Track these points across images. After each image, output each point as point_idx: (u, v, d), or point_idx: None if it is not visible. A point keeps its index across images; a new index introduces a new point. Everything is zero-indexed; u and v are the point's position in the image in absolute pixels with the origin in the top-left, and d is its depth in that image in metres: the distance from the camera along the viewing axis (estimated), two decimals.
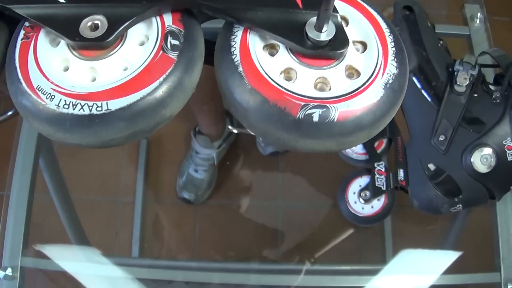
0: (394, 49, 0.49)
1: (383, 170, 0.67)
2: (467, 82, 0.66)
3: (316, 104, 0.45)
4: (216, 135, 1.30)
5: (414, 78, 0.68)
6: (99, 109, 0.44)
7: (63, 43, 0.48)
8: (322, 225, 1.32)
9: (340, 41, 0.48)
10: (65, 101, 0.45)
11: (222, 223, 1.34)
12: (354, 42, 0.50)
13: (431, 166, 0.66)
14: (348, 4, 0.52)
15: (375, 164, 0.67)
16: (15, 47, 0.48)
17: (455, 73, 0.66)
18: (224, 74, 0.49)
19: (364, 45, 0.51)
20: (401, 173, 0.67)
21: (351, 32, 0.50)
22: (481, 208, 0.69)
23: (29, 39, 0.49)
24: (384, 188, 0.66)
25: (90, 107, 0.44)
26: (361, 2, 0.53)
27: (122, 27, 0.47)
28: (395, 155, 0.68)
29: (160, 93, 0.46)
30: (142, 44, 0.49)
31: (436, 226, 1.20)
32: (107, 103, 0.44)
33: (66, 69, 0.48)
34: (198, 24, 0.51)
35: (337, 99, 0.46)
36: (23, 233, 0.68)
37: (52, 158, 0.86)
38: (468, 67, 0.66)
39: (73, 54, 0.48)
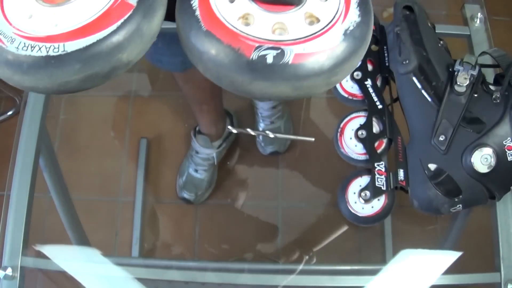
0: None
1: (383, 170, 0.67)
2: (467, 82, 0.66)
3: (271, 45, 0.46)
4: (216, 135, 1.30)
5: (414, 78, 0.68)
6: (55, 50, 0.46)
7: None
8: (322, 225, 1.32)
9: None
10: (24, 43, 0.46)
11: (222, 223, 1.34)
12: None
13: (431, 166, 0.66)
14: None
15: (375, 164, 0.67)
16: None
17: (455, 73, 0.66)
18: (182, 19, 0.49)
19: None
20: (401, 173, 0.67)
21: None
22: (481, 208, 0.69)
23: None
24: (384, 188, 0.66)
25: (48, 49, 0.46)
26: None
27: None
28: (395, 155, 0.68)
29: (117, 36, 0.47)
30: None
31: (436, 226, 1.20)
32: (64, 44, 0.46)
33: (30, 16, 0.49)
34: None
35: (292, 41, 0.46)
36: (23, 233, 0.68)
37: (52, 158, 0.86)
38: (468, 67, 0.66)
39: (37, 2, 0.49)
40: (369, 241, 1.28)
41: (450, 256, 0.74)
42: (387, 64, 0.72)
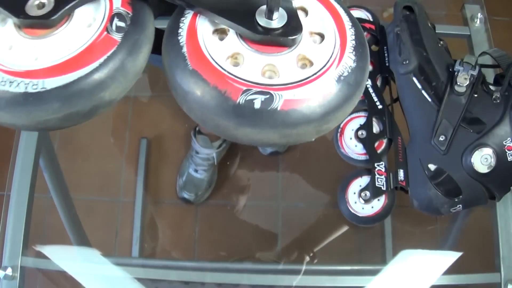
0: (354, 42, 0.47)
1: (383, 170, 0.67)
2: (467, 83, 0.66)
3: (259, 90, 0.43)
4: (216, 135, 1.30)
5: (414, 78, 0.68)
6: (34, 87, 0.43)
7: (10, 22, 0.47)
8: (322, 225, 1.32)
9: (292, 27, 0.45)
10: (3, 77, 0.44)
11: (222, 223, 1.34)
12: (311, 33, 0.48)
13: (431, 166, 0.66)
14: None
15: (375, 164, 0.67)
16: None
17: (455, 73, 0.66)
18: (168, 55, 0.47)
19: (322, 37, 0.48)
20: (401, 173, 0.67)
21: (309, 23, 0.48)
22: (481, 208, 0.69)
23: None
24: (384, 188, 0.66)
25: (26, 85, 0.43)
26: None
27: (68, 6, 0.46)
28: (395, 155, 0.68)
29: (99, 74, 0.44)
30: (88, 26, 0.47)
31: (436, 226, 1.20)
32: (43, 81, 0.43)
33: (10, 47, 0.47)
34: (149, 9, 0.49)
35: (283, 86, 0.43)
36: (23, 233, 0.68)
37: (52, 158, 0.86)
38: (468, 68, 0.66)
39: (18, 33, 0.47)
40: (369, 242, 1.28)
41: (450, 256, 0.74)
42: (387, 64, 0.72)
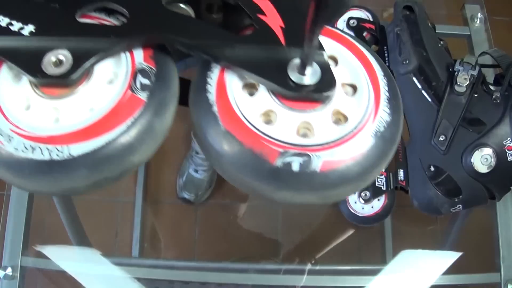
0: (387, 94, 0.45)
1: (383, 170, 0.67)
2: (467, 82, 0.66)
3: (296, 151, 0.40)
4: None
5: (414, 79, 0.68)
6: (60, 154, 0.40)
7: (26, 79, 0.44)
8: (322, 225, 1.32)
9: (326, 82, 0.43)
10: (24, 144, 0.40)
11: (222, 223, 1.34)
12: (343, 84, 0.46)
13: (431, 166, 0.66)
14: (338, 43, 0.47)
15: None
16: None
17: (455, 73, 0.66)
18: (198, 114, 0.44)
19: (354, 88, 0.46)
20: (401, 173, 0.67)
21: (340, 73, 0.45)
22: (481, 208, 0.69)
23: None
24: (384, 188, 0.66)
25: (50, 152, 0.40)
26: (353, 41, 0.48)
27: (88, 62, 0.43)
28: (395, 155, 0.68)
29: (127, 138, 0.41)
30: (110, 82, 0.44)
31: (436, 226, 1.20)
32: (68, 147, 0.40)
33: (28, 108, 0.43)
34: (172, 61, 0.46)
35: (320, 146, 0.41)
36: (23, 233, 0.68)
37: None
38: (468, 67, 0.66)
39: (35, 92, 0.43)
40: (369, 241, 1.28)
41: (450, 256, 0.74)
42: (387, 64, 0.72)
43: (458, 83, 0.66)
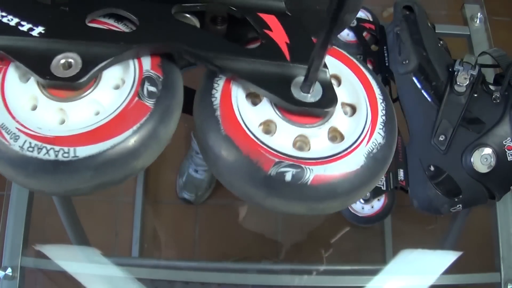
0: (384, 117, 0.47)
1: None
2: (467, 82, 0.66)
3: (291, 162, 0.42)
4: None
5: (414, 78, 0.68)
6: (65, 155, 0.41)
7: (33, 79, 0.44)
8: (322, 225, 1.32)
9: (327, 100, 0.45)
10: (30, 143, 0.41)
11: (222, 223, 1.34)
12: (343, 104, 0.47)
13: (431, 166, 0.66)
14: (343, 64, 0.49)
15: None
16: None
17: (455, 73, 0.66)
18: (201, 116, 0.46)
19: (353, 109, 0.47)
20: (401, 173, 0.67)
21: (341, 93, 0.47)
22: (481, 208, 0.69)
23: None
24: (384, 188, 0.66)
25: (56, 152, 0.41)
26: (358, 64, 0.49)
27: (97, 67, 0.43)
28: (395, 155, 0.68)
29: (132, 142, 0.42)
30: (117, 87, 0.45)
31: (436, 226, 1.20)
32: (74, 149, 0.41)
33: (34, 108, 0.44)
34: (178, 71, 0.48)
35: (314, 161, 0.43)
36: (23, 233, 0.68)
37: None
38: (468, 67, 0.66)
39: (42, 92, 0.44)
40: (369, 241, 1.28)
41: (450, 256, 0.74)
42: (387, 64, 0.72)
43: (458, 83, 0.66)
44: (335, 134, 0.46)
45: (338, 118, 0.46)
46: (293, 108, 0.45)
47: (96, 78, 0.45)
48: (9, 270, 0.66)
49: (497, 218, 0.70)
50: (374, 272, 0.70)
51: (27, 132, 0.42)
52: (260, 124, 0.45)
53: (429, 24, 0.73)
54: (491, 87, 0.68)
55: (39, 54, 0.43)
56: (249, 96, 0.47)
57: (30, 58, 0.43)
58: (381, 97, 0.48)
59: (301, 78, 0.44)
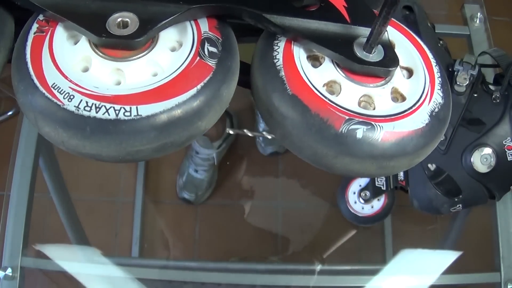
0: (440, 79, 0.48)
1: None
2: (467, 82, 0.66)
3: (361, 120, 0.42)
4: (216, 135, 1.30)
5: None
6: (127, 114, 0.39)
7: (83, 40, 0.43)
8: (322, 225, 1.32)
9: (390, 59, 0.45)
10: (87, 102, 0.39)
11: (222, 223, 1.34)
12: (400, 67, 0.48)
13: (431, 166, 0.66)
14: (396, 30, 0.50)
15: None
16: (26, 40, 0.42)
17: (455, 73, 0.66)
18: (263, 78, 0.45)
19: (410, 72, 0.48)
20: (401, 173, 0.67)
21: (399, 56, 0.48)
22: (481, 208, 0.69)
23: (44, 33, 0.43)
24: (384, 188, 0.66)
25: (117, 111, 0.38)
26: (409, 31, 0.51)
27: (156, 26, 0.42)
28: None
29: (197, 102, 0.41)
30: (173, 50, 0.44)
31: (436, 226, 1.20)
32: (137, 108, 0.39)
33: (86, 69, 0.42)
34: (233, 34, 0.47)
35: (383, 118, 0.43)
36: (23, 233, 0.68)
37: (52, 158, 0.86)
38: (468, 67, 0.66)
39: (96, 52, 0.42)
40: (369, 241, 1.28)
41: (450, 256, 0.74)
42: None
43: (458, 83, 0.66)
44: (396, 95, 0.46)
45: (398, 79, 0.46)
46: (358, 68, 0.45)
47: (153, 39, 0.44)
48: (9, 270, 0.66)
49: (497, 218, 0.70)
50: (374, 272, 0.70)
51: (82, 91, 0.39)
52: (324, 85, 0.45)
53: (429, 24, 0.73)
54: (491, 87, 0.68)
55: (92, 13, 0.42)
56: (309, 58, 0.47)
57: (84, 18, 0.42)
58: (435, 61, 0.49)
59: (362, 39, 0.45)
